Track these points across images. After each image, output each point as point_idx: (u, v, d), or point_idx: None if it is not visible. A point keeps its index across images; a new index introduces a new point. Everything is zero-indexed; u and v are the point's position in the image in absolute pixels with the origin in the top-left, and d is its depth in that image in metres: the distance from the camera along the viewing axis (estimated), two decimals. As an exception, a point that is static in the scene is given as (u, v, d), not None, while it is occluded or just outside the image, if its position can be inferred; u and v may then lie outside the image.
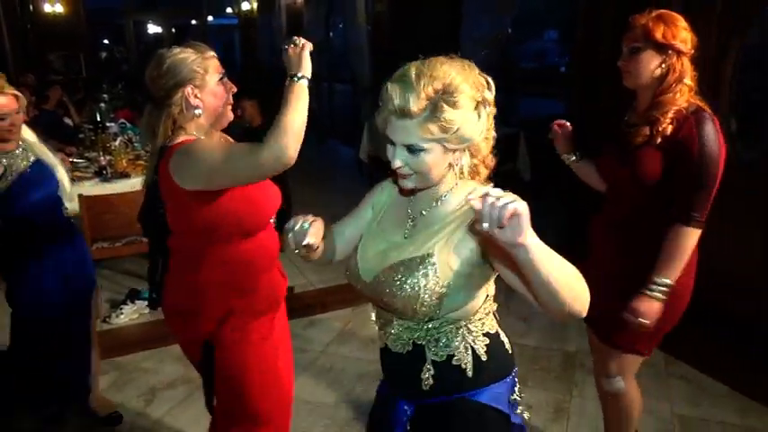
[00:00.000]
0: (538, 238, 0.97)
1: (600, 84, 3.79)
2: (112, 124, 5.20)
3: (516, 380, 1.34)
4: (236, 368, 1.77)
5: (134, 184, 3.82)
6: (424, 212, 1.27)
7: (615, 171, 1.92)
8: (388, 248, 1.29)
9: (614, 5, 3.68)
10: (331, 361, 3.16)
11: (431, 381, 1.26)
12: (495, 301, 1.32)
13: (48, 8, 11.08)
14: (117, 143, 4.49)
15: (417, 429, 1.31)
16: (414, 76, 1.13)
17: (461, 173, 1.23)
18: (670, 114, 1.73)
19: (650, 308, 1.76)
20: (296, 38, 1.57)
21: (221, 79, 1.70)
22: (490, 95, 1.19)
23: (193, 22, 15.91)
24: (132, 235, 3.71)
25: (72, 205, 2.48)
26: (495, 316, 1.32)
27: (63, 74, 10.26)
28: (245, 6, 13.30)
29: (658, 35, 1.73)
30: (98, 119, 5.11)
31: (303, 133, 1.49)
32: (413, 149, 1.16)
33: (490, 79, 1.20)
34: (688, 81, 1.76)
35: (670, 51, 1.74)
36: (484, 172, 1.27)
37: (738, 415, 2.64)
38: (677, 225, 1.74)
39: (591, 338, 2.18)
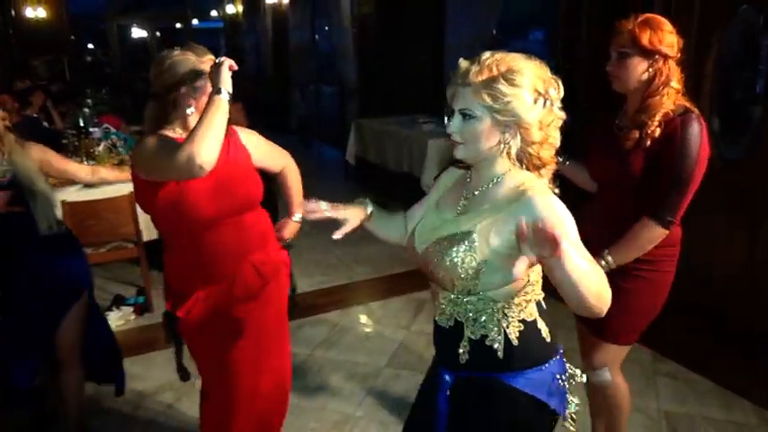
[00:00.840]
0: (571, 248, 1.06)
1: (580, 86, 3.82)
2: (96, 129, 5.15)
3: (564, 366, 1.39)
4: (190, 347, 2.02)
5: (118, 189, 3.78)
6: (476, 192, 1.36)
7: (606, 174, 1.95)
8: (441, 224, 1.39)
9: (595, 7, 3.71)
10: (319, 364, 3.15)
11: (466, 356, 1.35)
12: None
13: (30, 13, 10.97)
14: (101, 148, 4.46)
15: (456, 398, 1.41)
16: (485, 56, 1.26)
17: (509, 154, 1.29)
18: (658, 117, 1.76)
19: None
20: (220, 58, 1.73)
21: None
22: (555, 94, 1.27)
23: (178, 25, 15.84)
24: (117, 240, 3.68)
25: (44, 225, 2.23)
26: (540, 304, 1.37)
27: (48, 80, 10.15)
28: (230, 10, 13.27)
29: (645, 41, 1.76)
30: (81, 124, 5.06)
31: (218, 141, 1.64)
32: (466, 115, 1.27)
33: (560, 83, 1.29)
34: (675, 84, 1.79)
35: (657, 56, 1.77)
36: (544, 170, 1.33)
37: (723, 410, 2.67)
38: (646, 218, 1.78)
39: (580, 331, 2.19)
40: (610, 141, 1.91)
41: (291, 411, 2.69)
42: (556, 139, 1.31)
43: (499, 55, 1.25)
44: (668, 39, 1.78)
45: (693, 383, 2.86)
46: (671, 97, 1.78)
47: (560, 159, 2.05)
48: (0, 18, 10.14)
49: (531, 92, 1.23)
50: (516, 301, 1.32)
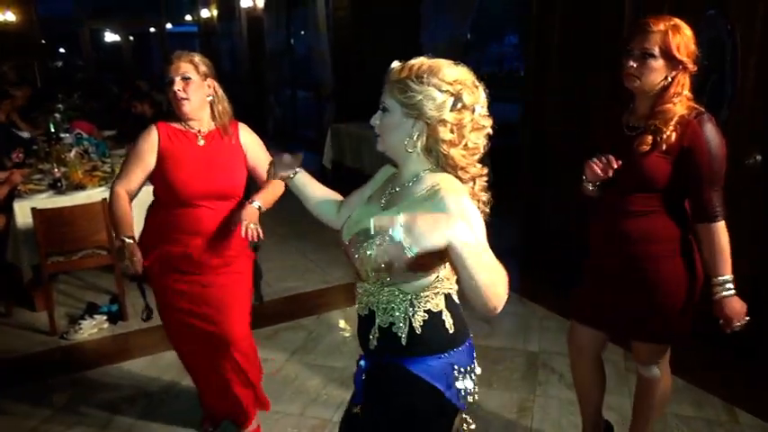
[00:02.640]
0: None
1: (553, 90, 3.87)
2: (67, 135, 5.07)
3: (468, 359, 1.43)
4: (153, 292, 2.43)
5: (90, 195, 3.73)
6: (397, 189, 1.42)
7: (617, 176, 1.92)
8: (365, 217, 1.40)
9: (568, 11, 3.76)
10: (296, 370, 3.14)
11: (375, 343, 1.43)
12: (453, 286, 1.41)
13: (-1, 16, 10.76)
14: (72, 154, 4.38)
15: (369, 382, 1.48)
16: (413, 59, 1.33)
17: (413, 148, 1.34)
18: (673, 123, 1.79)
19: (733, 306, 1.82)
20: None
21: (168, 81, 2.14)
22: (469, 99, 1.30)
23: (152, 29, 15.66)
24: (90, 248, 3.61)
25: None
26: (449, 297, 1.41)
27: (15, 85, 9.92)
28: (204, 14, 13.16)
29: (674, 48, 1.76)
30: (52, 129, 4.98)
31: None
32: (382, 108, 1.36)
33: (483, 91, 1.34)
34: (687, 92, 1.82)
35: (680, 66, 1.79)
36: (463, 173, 1.34)
37: (694, 407, 2.72)
38: (708, 224, 1.82)
39: (581, 336, 2.21)
40: (621, 142, 1.91)
41: (269, 417, 2.69)
42: (476, 144, 1.34)
43: (426, 59, 1.32)
44: (692, 50, 1.79)
45: (665, 381, 2.91)
46: (683, 104, 1.81)
47: (591, 187, 2.00)
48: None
49: (441, 92, 1.28)
50: (425, 293, 1.38)
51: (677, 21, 1.81)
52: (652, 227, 1.91)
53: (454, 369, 1.40)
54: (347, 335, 3.55)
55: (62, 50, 17.30)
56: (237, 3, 10.66)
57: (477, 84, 1.34)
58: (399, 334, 1.38)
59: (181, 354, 2.51)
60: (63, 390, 2.97)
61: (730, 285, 1.83)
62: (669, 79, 1.80)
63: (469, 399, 1.43)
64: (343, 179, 6.70)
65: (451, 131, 1.31)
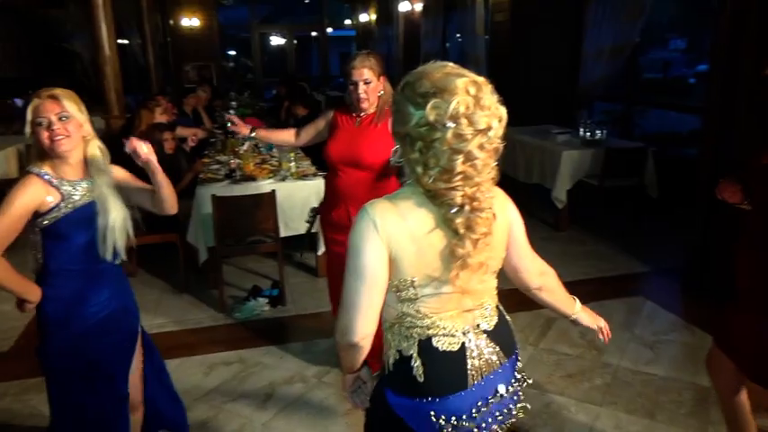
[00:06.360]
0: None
1: (740, 100, 3.47)
2: (240, 130, 5.51)
3: (438, 412, 1.28)
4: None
5: (259, 186, 4.00)
6: None
7: (763, 192, 1.77)
8: None
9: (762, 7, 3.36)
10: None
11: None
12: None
13: (185, 22, 12.01)
14: (245, 147, 4.76)
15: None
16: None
17: (394, 160, 1.30)
18: None
19: None
20: None
21: (351, 83, 2.62)
22: (435, 113, 1.14)
23: (314, 33, 16.61)
24: (257, 235, 3.88)
25: (107, 253, 1.90)
26: (427, 345, 1.28)
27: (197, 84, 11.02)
28: (363, 18, 13.69)
29: None
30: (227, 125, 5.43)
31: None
32: None
33: (473, 107, 1.12)
34: None
35: None
36: (437, 199, 1.21)
37: None
38: None
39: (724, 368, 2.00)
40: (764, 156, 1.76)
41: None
42: (450, 168, 1.15)
43: (423, 67, 1.26)
44: None
45: None
46: None
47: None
48: (159, 26, 11.18)
49: (412, 104, 1.21)
50: (395, 329, 1.31)
51: None
52: None
53: (432, 415, 1.27)
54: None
55: (232, 53, 18.92)
56: (395, 7, 10.95)
57: (461, 95, 1.11)
58: (384, 359, 1.37)
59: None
60: (229, 363, 3.22)
61: None
62: None
63: None
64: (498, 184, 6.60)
65: (420, 151, 1.17)
